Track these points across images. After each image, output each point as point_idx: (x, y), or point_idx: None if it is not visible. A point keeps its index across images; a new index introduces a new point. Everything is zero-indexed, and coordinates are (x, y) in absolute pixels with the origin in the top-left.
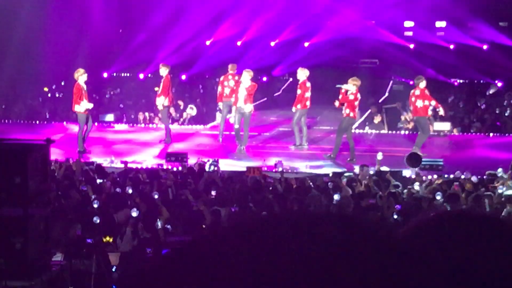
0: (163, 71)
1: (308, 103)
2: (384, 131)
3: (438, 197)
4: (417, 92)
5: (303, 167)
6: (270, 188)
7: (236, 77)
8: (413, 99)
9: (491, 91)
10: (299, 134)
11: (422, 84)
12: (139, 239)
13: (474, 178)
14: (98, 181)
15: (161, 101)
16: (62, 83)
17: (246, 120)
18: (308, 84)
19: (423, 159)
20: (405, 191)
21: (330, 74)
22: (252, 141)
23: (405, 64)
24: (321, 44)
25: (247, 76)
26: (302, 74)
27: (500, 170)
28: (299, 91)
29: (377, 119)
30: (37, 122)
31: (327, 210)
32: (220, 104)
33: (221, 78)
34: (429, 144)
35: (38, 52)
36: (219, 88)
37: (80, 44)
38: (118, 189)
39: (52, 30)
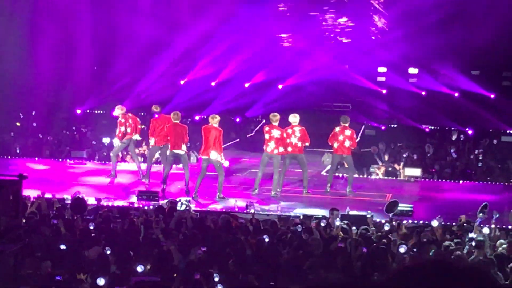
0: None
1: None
2: (355, 175)
3: (401, 250)
4: (348, 132)
5: (274, 208)
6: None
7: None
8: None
9: (454, 137)
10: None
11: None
12: (109, 276)
13: (435, 223)
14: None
15: (152, 142)
16: (33, 113)
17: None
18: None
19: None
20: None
21: (303, 117)
22: (226, 181)
23: (378, 109)
24: (294, 87)
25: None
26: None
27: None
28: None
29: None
30: (8, 157)
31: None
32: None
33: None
34: (399, 190)
35: (11, 85)
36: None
37: (54, 80)
38: (91, 226)
39: (25, 64)
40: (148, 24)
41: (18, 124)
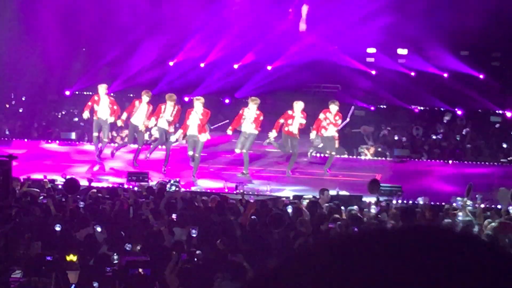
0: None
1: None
2: (345, 156)
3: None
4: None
5: (264, 189)
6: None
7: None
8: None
9: (446, 118)
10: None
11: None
12: (96, 256)
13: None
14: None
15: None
16: (23, 99)
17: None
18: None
19: (381, 184)
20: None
21: (292, 98)
22: (215, 162)
23: (367, 90)
24: (284, 68)
25: (199, 104)
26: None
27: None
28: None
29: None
30: None
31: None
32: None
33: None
34: (389, 170)
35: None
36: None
37: (43, 62)
38: (81, 204)
39: (15, 48)
40: (137, 4)
41: (7, 106)
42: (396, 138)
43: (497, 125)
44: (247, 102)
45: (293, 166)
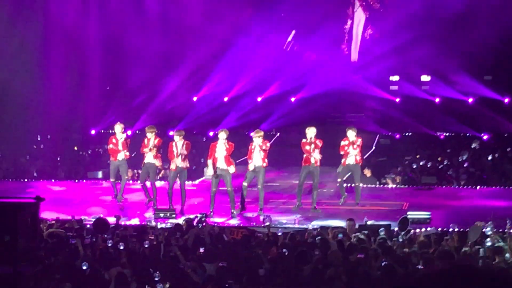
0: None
1: None
2: (373, 185)
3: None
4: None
5: (291, 221)
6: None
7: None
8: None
9: (474, 145)
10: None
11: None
12: None
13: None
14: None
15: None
16: (49, 137)
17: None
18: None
19: (410, 212)
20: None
21: (318, 129)
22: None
23: (391, 117)
24: (307, 99)
25: (223, 136)
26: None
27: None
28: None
29: (367, 173)
30: (25, 180)
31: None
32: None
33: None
34: (416, 197)
35: (24, 107)
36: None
37: (67, 101)
38: (109, 243)
39: (40, 86)
40: (158, 40)
41: (34, 146)
42: (422, 165)
43: None
44: (270, 134)
45: (316, 200)
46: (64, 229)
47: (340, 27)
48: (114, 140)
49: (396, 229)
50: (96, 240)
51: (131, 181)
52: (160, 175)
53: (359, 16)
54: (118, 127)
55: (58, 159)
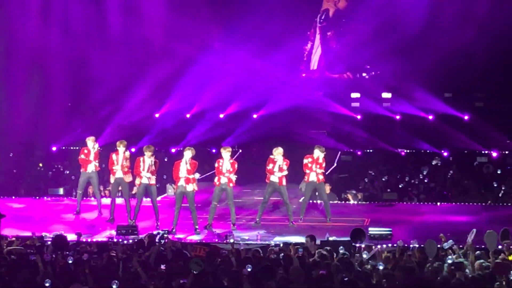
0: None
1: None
2: (334, 201)
3: (380, 267)
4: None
5: (253, 237)
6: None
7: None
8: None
9: (435, 162)
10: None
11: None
12: None
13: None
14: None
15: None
16: (11, 154)
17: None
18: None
19: (371, 229)
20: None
21: (279, 146)
22: (203, 213)
23: (353, 134)
24: (269, 116)
25: (189, 154)
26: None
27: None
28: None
29: (326, 189)
30: None
31: None
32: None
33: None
34: (378, 214)
35: None
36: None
37: (29, 118)
38: (70, 260)
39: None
40: (120, 57)
41: None
42: (383, 181)
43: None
44: (232, 151)
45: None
46: (24, 246)
47: (300, 46)
48: (85, 151)
49: (358, 245)
50: (56, 257)
51: (93, 198)
52: (134, 191)
53: (320, 33)
54: (90, 141)
55: (19, 176)
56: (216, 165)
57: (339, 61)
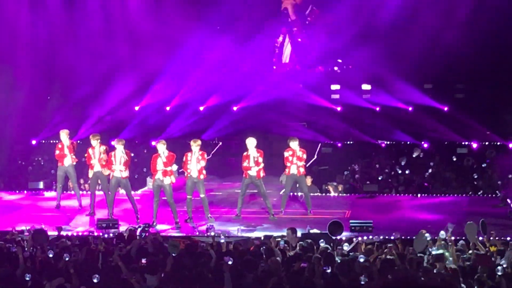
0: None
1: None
2: (315, 194)
3: (361, 260)
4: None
5: (234, 231)
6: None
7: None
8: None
9: (415, 154)
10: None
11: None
12: None
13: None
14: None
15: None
16: None
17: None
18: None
19: (352, 221)
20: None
21: (259, 138)
22: (183, 205)
23: (333, 126)
24: (249, 108)
25: (162, 147)
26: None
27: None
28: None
29: (307, 181)
30: None
31: None
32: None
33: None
34: (358, 206)
35: None
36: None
37: (8, 112)
38: (50, 254)
39: None
40: (101, 50)
41: None
42: (363, 173)
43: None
44: (212, 143)
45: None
46: (4, 240)
47: (272, 39)
48: (60, 146)
49: (339, 237)
50: (35, 251)
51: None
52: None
53: (287, 32)
54: (63, 134)
55: None
56: (184, 159)
57: (311, 55)
